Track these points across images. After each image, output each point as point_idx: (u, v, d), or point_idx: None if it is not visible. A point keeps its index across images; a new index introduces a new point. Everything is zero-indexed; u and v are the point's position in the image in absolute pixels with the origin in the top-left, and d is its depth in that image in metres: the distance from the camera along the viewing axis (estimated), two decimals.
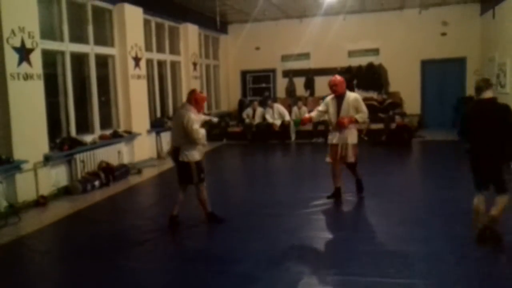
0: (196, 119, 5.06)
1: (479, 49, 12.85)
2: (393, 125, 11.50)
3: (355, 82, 13.63)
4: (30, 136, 6.49)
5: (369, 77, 13.63)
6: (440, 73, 13.43)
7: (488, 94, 4.33)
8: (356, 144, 5.89)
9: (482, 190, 4.40)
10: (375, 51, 13.83)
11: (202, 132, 5.06)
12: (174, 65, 11.93)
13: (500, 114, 4.27)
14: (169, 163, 9.70)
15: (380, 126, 11.85)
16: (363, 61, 13.77)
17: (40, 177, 6.61)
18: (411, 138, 11.18)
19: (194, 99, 5.20)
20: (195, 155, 5.13)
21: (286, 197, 6.59)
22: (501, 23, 10.92)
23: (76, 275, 4.19)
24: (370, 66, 13.67)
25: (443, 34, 13.15)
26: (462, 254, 4.18)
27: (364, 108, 5.78)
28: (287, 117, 12.37)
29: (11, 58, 6.15)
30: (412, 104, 13.45)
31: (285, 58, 14.65)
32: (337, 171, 6.02)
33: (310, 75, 14.30)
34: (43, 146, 6.78)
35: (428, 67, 13.56)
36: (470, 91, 13.11)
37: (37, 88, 6.66)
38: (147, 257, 4.58)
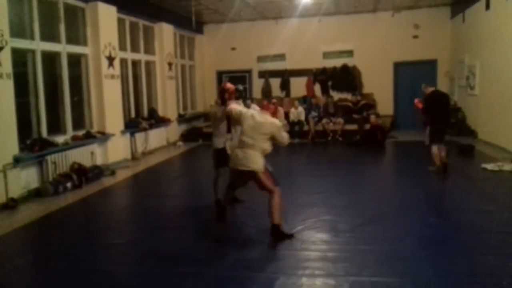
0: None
1: (450, 51, 13.20)
2: (367, 126, 11.68)
3: (329, 83, 13.81)
4: None
5: (343, 78, 13.81)
6: (412, 75, 13.67)
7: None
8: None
9: (440, 142, 7.46)
10: (350, 53, 14.03)
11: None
12: (149, 65, 11.81)
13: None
14: (143, 165, 9.61)
15: (354, 126, 12.05)
16: (337, 62, 13.94)
17: (10, 179, 6.44)
18: (385, 138, 11.37)
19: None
20: (215, 143, 5.76)
21: (258, 197, 6.59)
22: (471, 27, 11.25)
23: (47, 279, 4.10)
24: (345, 67, 13.85)
25: (415, 37, 13.43)
26: (435, 252, 4.27)
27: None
28: None
29: None
30: (385, 105, 13.69)
31: (261, 59, 14.69)
32: None
33: (285, 76, 14.40)
34: (12, 147, 6.61)
35: (400, 69, 13.82)
36: None
37: (7, 88, 6.49)
38: (121, 259, 4.53)
